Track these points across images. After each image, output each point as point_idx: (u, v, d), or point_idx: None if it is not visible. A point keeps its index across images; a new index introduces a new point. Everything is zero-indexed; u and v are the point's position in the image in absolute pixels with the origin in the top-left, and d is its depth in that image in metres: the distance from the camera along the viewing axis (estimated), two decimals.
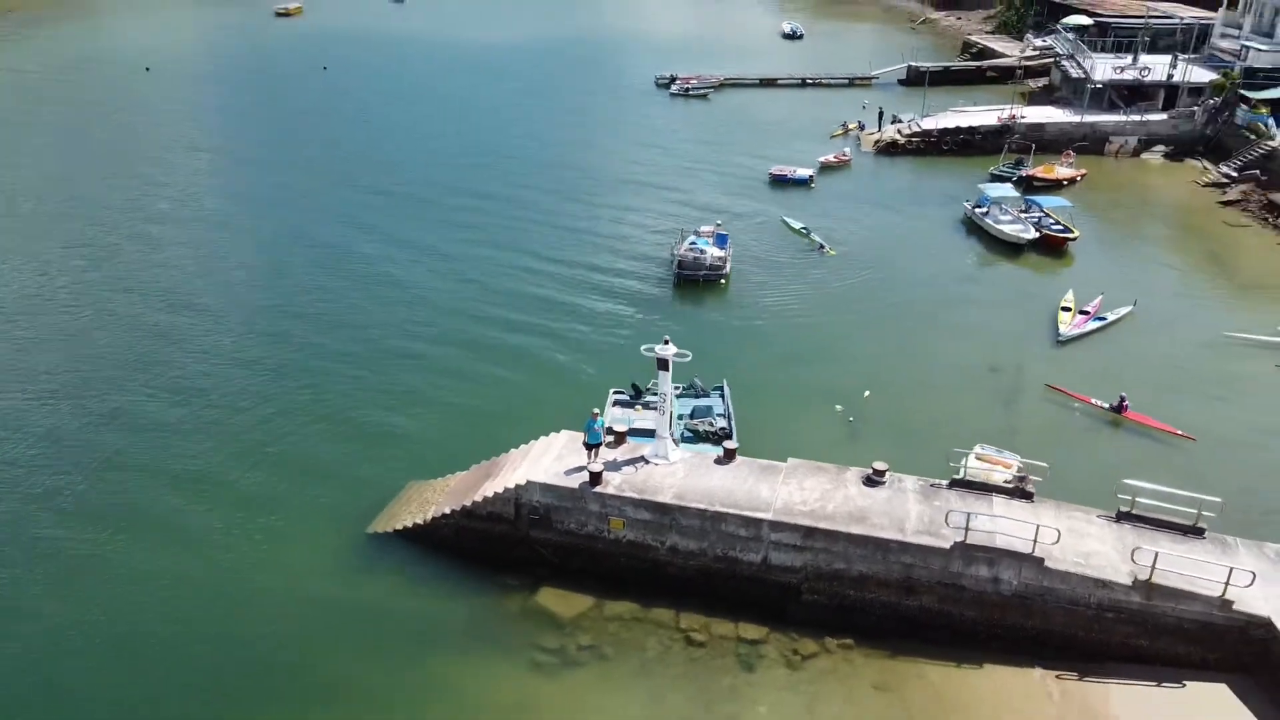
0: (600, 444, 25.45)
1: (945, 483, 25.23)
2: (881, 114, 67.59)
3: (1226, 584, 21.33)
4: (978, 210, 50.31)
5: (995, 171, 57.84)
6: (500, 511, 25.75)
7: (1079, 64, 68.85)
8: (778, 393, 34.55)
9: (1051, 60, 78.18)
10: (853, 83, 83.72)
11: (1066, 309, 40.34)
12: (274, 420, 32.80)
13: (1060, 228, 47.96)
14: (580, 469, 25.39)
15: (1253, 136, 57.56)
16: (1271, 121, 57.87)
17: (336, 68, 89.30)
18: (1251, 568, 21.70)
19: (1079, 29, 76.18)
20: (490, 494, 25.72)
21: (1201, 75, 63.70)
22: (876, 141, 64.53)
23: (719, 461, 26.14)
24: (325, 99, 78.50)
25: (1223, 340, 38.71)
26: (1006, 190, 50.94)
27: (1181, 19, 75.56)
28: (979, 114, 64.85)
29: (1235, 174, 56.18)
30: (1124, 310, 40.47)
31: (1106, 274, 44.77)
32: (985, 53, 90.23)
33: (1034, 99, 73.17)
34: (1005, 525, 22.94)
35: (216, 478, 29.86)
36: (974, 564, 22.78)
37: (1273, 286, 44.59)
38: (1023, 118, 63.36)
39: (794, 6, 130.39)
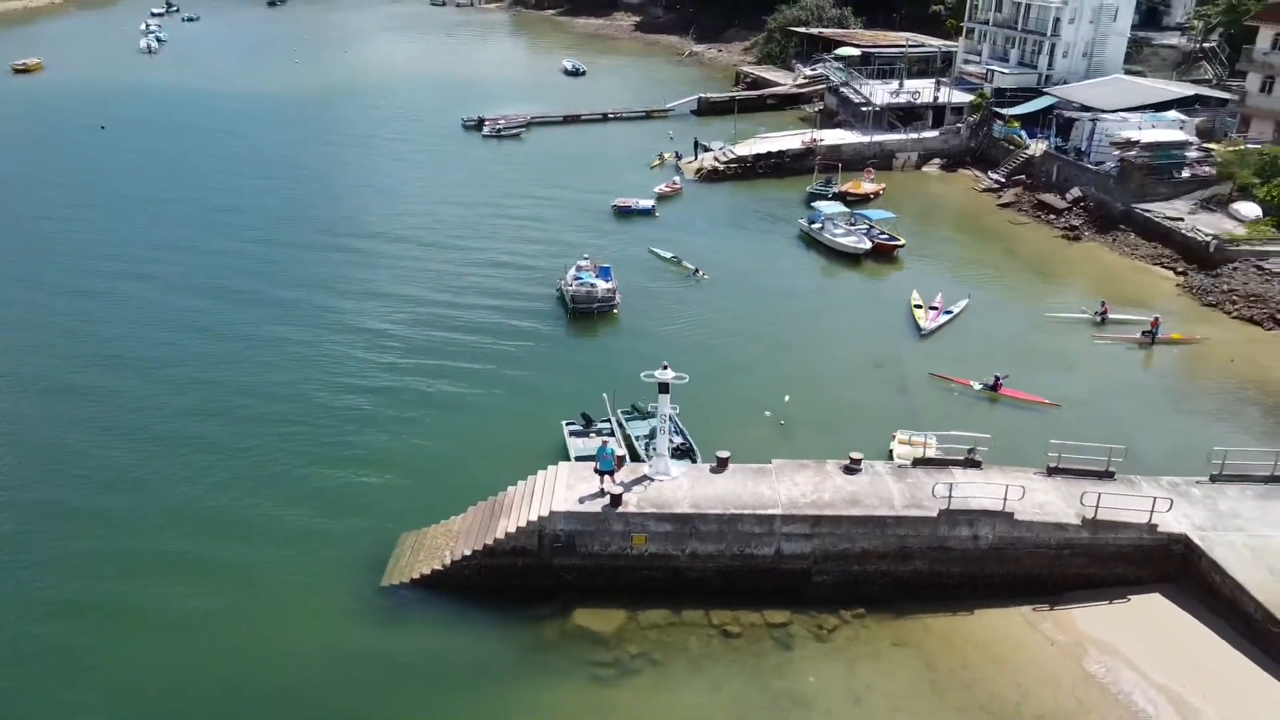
0: (613, 470, 27.39)
1: (909, 462, 29.23)
2: (697, 144, 72.67)
3: (1152, 511, 26.49)
4: (814, 226, 55.91)
5: (811, 190, 64.00)
6: (524, 545, 27.08)
7: (857, 90, 77.17)
8: (706, 406, 37.09)
9: (825, 87, 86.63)
10: (650, 115, 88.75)
11: (919, 306, 46.11)
12: (232, 491, 32.11)
13: (887, 237, 54.32)
14: (596, 495, 27.24)
15: (1012, 147, 67.20)
16: (1024, 134, 67.80)
17: (114, 125, 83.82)
18: (1161, 497, 27.01)
19: (846, 59, 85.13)
20: (513, 529, 27.01)
21: (960, 97, 73.39)
22: (698, 170, 69.41)
23: (714, 470, 28.77)
24: (125, 159, 73.84)
25: (1045, 320, 45.75)
26: (837, 207, 56.96)
27: (939, 48, 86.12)
28: (785, 139, 71.45)
29: (1004, 179, 65.43)
30: (963, 303, 46.75)
31: (934, 273, 51.30)
32: (759, 82, 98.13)
33: (814, 123, 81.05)
34: (973, 490, 27.13)
35: (192, 552, 29.11)
36: (957, 526, 26.77)
37: (1063, 272, 52.82)
38: (822, 141, 70.40)
39: (553, 44, 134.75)
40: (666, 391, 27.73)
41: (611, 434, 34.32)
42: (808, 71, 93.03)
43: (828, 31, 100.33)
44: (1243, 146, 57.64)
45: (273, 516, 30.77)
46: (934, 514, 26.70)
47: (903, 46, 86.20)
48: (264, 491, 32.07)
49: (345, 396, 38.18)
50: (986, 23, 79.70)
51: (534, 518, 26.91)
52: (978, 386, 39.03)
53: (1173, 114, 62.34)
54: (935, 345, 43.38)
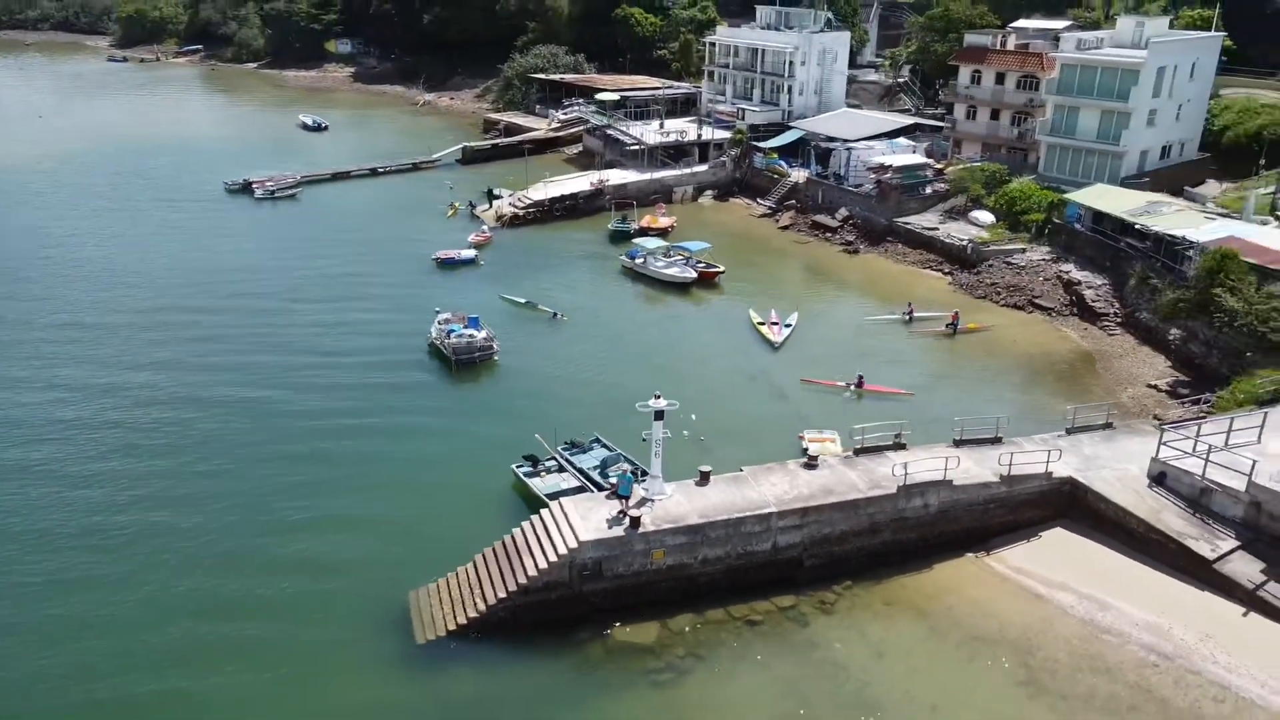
0: (630, 496, 29.89)
1: (851, 452, 34.10)
2: (490, 191, 74.87)
3: (1047, 463, 33.06)
4: (637, 261, 60.29)
5: (612, 228, 68.40)
6: (556, 578, 28.90)
7: (625, 131, 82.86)
8: (622, 434, 40.06)
9: (584, 129, 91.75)
10: (417, 166, 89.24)
11: (761, 323, 51.68)
12: (214, 574, 30.97)
13: (706, 265, 59.76)
14: (615, 521, 29.60)
15: (776, 176, 75.53)
16: (784, 163, 76.42)
17: None
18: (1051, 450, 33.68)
19: (604, 103, 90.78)
20: (544, 565, 28.77)
21: (721, 133, 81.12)
22: (499, 217, 71.66)
23: (699, 484, 31.96)
24: None
25: (865, 324, 52.96)
26: (657, 242, 61.68)
27: (690, 89, 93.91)
28: (573, 181, 75.49)
29: (775, 205, 73.49)
30: (794, 316, 52.92)
31: (755, 293, 57.28)
32: (511, 128, 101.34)
33: (579, 165, 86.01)
34: (915, 467, 32.36)
35: (201, 644, 28.09)
36: (912, 499, 31.90)
37: (855, 282, 60.76)
38: (608, 181, 75.21)
39: (272, 99, 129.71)
40: (661, 418, 30.60)
41: (561, 469, 36.46)
42: (561, 116, 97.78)
43: (569, 77, 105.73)
44: (966, 164, 69.08)
45: (268, 596, 30.23)
46: (894, 491, 31.64)
47: (655, 90, 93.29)
48: (245, 572, 31.38)
49: (275, 469, 37.43)
50: (727, 66, 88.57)
51: (563, 551, 28.79)
52: (848, 384, 44.89)
53: (904, 140, 73.32)
54: (789, 355, 49.02)
